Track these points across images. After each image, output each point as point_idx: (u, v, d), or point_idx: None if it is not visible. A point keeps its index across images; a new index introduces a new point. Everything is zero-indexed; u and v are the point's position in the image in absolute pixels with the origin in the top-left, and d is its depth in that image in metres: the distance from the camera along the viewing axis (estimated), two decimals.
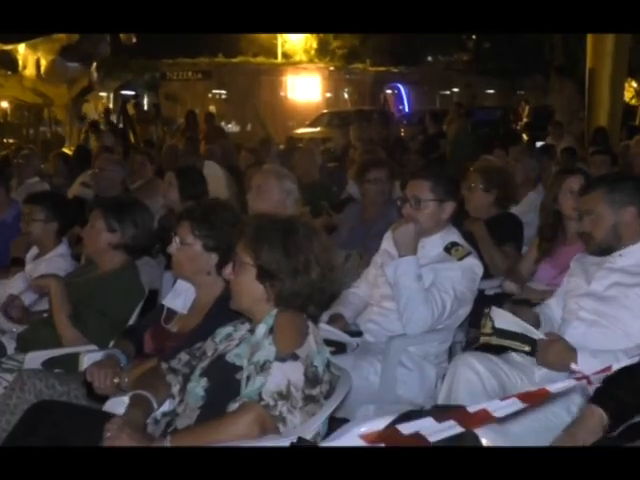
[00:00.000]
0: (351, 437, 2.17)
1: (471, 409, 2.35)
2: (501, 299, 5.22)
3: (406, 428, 2.18)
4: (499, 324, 3.91)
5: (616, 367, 2.80)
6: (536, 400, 2.51)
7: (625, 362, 2.81)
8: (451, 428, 2.26)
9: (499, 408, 2.36)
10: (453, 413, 2.32)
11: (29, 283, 4.79)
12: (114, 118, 21.42)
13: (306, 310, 3.28)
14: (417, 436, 2.16)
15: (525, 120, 25.07)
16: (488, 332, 3.94)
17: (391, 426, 2.22)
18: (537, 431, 3.59)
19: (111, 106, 26.26)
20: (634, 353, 3.43)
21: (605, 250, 4.04)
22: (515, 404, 2.37)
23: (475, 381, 3.76)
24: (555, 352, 3.77)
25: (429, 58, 38.48)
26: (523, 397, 2.39)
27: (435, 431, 2.22)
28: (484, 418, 2.34)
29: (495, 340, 3.91)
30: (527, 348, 3.85)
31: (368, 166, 6.78)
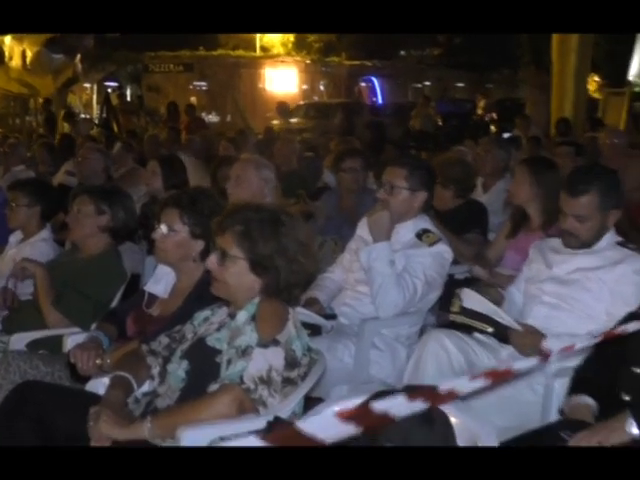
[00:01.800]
0: (327, 416, 2.15)
1: (440, 387, 2.35)
2: (470, 283, 5.26)
3: (378, 405, 2.18)
4: (467, 304, 3.96)
5: (579, 346, 2.81)
6: (502, 378, 2.52)
7: (587, 342, 2.82)
8: (419, 406, 2.26)
9: (465, 386, 2.36)
10: (422, 392, 2.32)
11: (14, 267, 4.74)
12: (98, 109, 21.39)
13: (292, 295, 3.30)
14: (385, 415, 2.16)
15: (481, 112, 25.12)
16: (456, 311, 3.99)
17: (366, 402, 2.21)
18: (500, 407, 3.63)
19: (95, 97, 26.15)
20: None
21: (583, 246, 4.04)
22: (480, 382, 2.38)
23: (443, 356, 3.81)
24: (526, 341, 3.83)
25: (402, 52, 38.44)
26: (489, 375, 2.39)
27: (404, 409, 2.22)
28: (451, 396, 2.34)
29: (461, 319, 3.96)
30: (490, 329, 3.91)
31: (343, 156, 6.78)
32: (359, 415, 2.10)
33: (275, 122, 22.61)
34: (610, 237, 4.03)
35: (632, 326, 2.93)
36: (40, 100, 23.25)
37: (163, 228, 3.84)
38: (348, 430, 2.10)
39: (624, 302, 3.74)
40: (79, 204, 4.61)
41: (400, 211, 4.63)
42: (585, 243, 4.01)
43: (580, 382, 3.24)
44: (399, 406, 2.16)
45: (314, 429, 2.04)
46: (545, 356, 2.70)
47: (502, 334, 3.92)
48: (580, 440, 2.89)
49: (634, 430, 2.81)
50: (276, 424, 2.78)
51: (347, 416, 2.08)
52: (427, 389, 2.31)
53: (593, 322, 3.86)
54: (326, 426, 2.07)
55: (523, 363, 2.60)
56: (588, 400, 3.12)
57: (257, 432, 2.04)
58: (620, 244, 4.03)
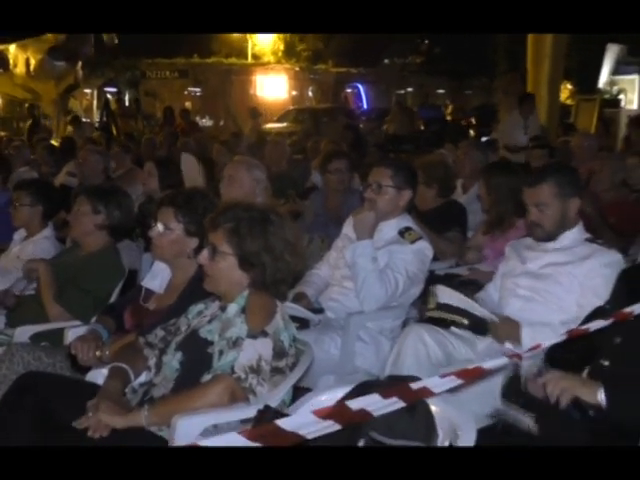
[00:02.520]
0: (305, 414, 2.15)
1: (414, 386, 2.35)
2: (450, 279, 5.27)
3: (354, 404, 2.18)
4: (442, 299, 4.01)
5: (546, 345, 2.82)
6: (471, 377, 2.52)
7: (555, 339, 2.84)
8: (395, 403, 2.27)
9: (438, 385, 2.37)
10: (397, 390, 2.32)
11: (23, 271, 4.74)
12: (98, 113, 21.37)
13: (279, 291, 3.29)
14: (363, 412, 2.17)
15: (450, 117, 25.09)
16: (432, 307, 4.04)
17: (342, 401, 2.21)
18: (479, 396, 3.64)
19: (95, 102, 26.08)
20: (570, 325, 3.51)
21: (550, 237, 4.09)
22: (453, 381, 2.38)
23: (421, 350, 3.83)
24: (504, 331, 3.89)
25: (386, 60, 38.48)
26: (460, 374, 2.40)
27: (380, 407, 2.22)
28: (424, 394, 2.35)
29: (437, 314, 4.00)
30: (465, 321, 3.96)
31: (329, 157, 6.79)
32: (336, 413, 2.11)
33: (267, 126, 22.61)
34: (579, 234, 4.10)
35: (594, 325, 2.95)
36: (42, 105, 23.21)
37: (159, 226, 3.84)
38: (328, 426, 2.11)
39: (594, 294, 3.80)
40: (78, 204, 4.62)
41: (386, 209, 4.64)
42: (550, 233, 4.07)
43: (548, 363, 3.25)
44: (375, 403, 2.17)
45: (295, 427, 2.04)
46: (516, 356, 2.72)
47: (477, 326, 3.96)
48: (553, 378, 2.88)
49: (601, 398, 2.81)
50: (260, 420, 2.77)
51: (325, 414, 2.09)
52: (401, 387, 2.32)
53: (564, 313, 3.91)
54: (306, 424, 2.07)
55: (493, 362, 2.62)
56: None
57: (240, 430, 2.00)
58: (589, 240, 4.09)
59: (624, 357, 3.02)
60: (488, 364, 2.57)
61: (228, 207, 3.36)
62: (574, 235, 4.09)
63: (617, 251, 4.07)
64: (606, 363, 3.07)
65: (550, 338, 3.31)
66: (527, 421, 2.89)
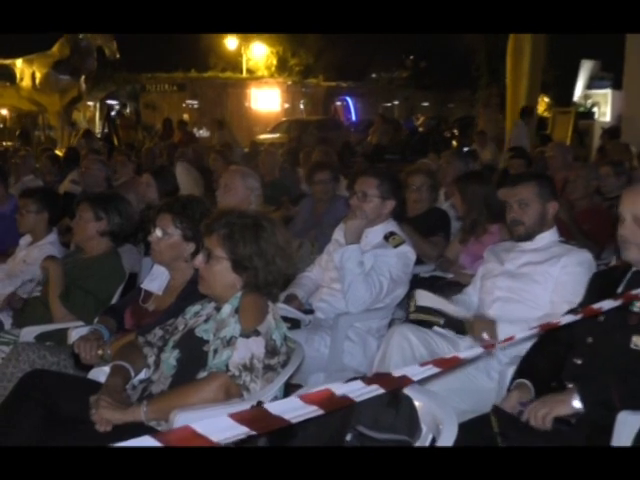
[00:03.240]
0: (291, 399, 2.15)
1: (394, 374, 2.36)
2: (435, 281, 5.30)
3: (338, 390, 2.18)
4: (420, 302, 4.05)
5: (519, 337, 2.84)
6: (449, 365, 2.53)
7: (527, 332, 2.86)
8: (376, 390, 2.27)
9: (417, 373, 2.37)
10: (378, 378, 2.33)
11: (40, 265, 4.73)
12: (100, 124, 21.39)
13: (271, 293, 3.29)
14: (346, 398, 2.17)
15: (421, 129, 25.13)
16: (412, 310, 4.07)
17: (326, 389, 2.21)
18: (460, 392, 3.66)
19: (97, 114, 26.04)
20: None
21: (530, 235, 4.14)
22: (431, 369, 2.39)
23: (406, 348, 3.83)
24: (480, 327, 3.90)
25: (373, 75, 38.52)
26: (437, 363, 2.41)
27: (362, 393, 2.23)
28: (404, 382, 2.35)
29: (416, 316, 4.05)
30: (441, 322, 3.98)
31: (314, 170, 6.83)
32: (321, 398, 2.11)
33: (261, 137, 22.61)
34: (553, 235, 4.16)
35: (566, 319, 2.97)
36: (47, 116, 23.18)
37: (158, 232, 3.85)
38: (312, 411, 2.10)
39: (566, 291, 3.86)
40: (81, 211, 4.63)
41: (371, 216, 4.65)
42: (529, 231, 4.12)
43: (524, 369, 3.29)
44: (357, 390, 2.17)
45: (280, 410, 2.04)
46: (490, 346, 2.73)
47: (454, 325, 3.99)
48: (532, 410, 2.93)
49: (577, 404, 2.87)
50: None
51: (310, 400, 2.09)
52: (383, 375, 2.32)
53: (541, 310, 3.93)
54: (291, 408, 2.07)
55: (469, 352, 2.64)
56: (528, 384, 3.16)
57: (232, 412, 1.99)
58: (562, 242, 4.16)
59: (595, 356, 3.04)
60: (464, 354, 2.59)
61: (222, 214, 3.36)
62: (550, 236, 4.15)
63: (588, 251, 4.12)
64: (579, 362, 3.09)
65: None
66: None
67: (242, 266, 3.23)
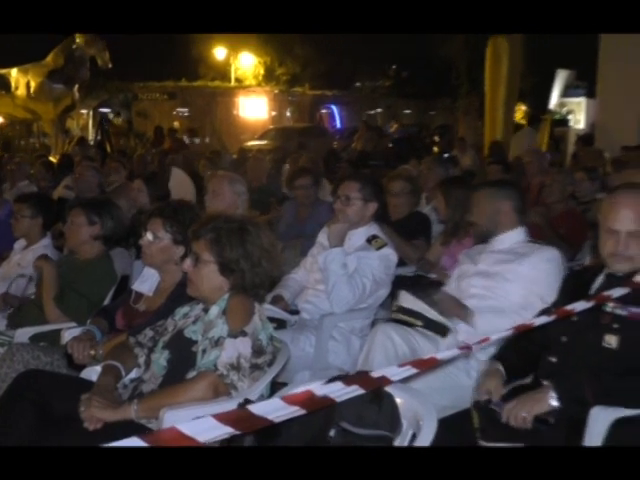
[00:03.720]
0: (274, 401, 2.15)
1: (373, 374, 2.36)
2: (419, 280, 5.33)
3: (319, 391, 2.18)
4: (402, 303, 4.10)
5: (494, 338, 2.85)
6: (426, 366, 2.54)
7: (502, 334, 2.88)
8: (356, 390, 2.27)
9: (396, 374, 2.37)
10: (358, 379, 2.33)
11: (33, 264, 4.73)
12: (93, 132, 21.35)
13: (258, 294, 3.29)
14: (327, 398, 2.17)
15: (395, 136, 25.06)
16: (395, 310, 4.13)
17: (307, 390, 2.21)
18: (440, 389, 3.67)
19: (90, 121, 25.95)
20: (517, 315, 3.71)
21: (487, 234, 4.27)
22: (409, 370, 2.39)
23: (389, 347, 3.84)
24: (448, 304, 4.05)
25: (357, 84, 38.53)
26: (416, 364, 2.41)
27: (342, 394, 2.23)
28: (383, 382, 2.35)
29: (396, 316, 4.10)
30: (420, 323, 4.02)
31: (295, 176, 6.82)
32: (302, 399, 2.11)
33: (249, 143, 22.56)
34: (520, 236, 4.23)
35: (539, 320, 2.99)
36: (41, 124, 23.13)
37: (149, 235, 3.84)
38: (294, 411, 2.10)
39: (539, 286, 3.92)
40: (73, 216, 4.61)
41: (354, 219, 4.66)
42: (487, 231, 4.28)
43: (500, 354, 3.32)
44: (338, 391, 2.17)
45: (264, 411, 2.04)
46: (467, 348, 2.74)
47: (433, 328, 4.02)
48: (511, 411, 2.94)
49: (554, 402, 2.89)
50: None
51: (292, 400, 2.09)
52: (362, 376, 2.33)
53: (513, 306, 3.97)
54: (274, 409, 2.07)
55: (446, 353, 2.65)
56: (500, 368, 3.19)
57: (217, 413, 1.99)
58: (531, 241, 4.23)
59: (570, 354, 3.06)
60: (441, 355, 2.60)
61: (209, 219, 3.36)
62: (516, 236, 4.22)
63: (555, 249, 4.18)
64: (554, 360, 3.10)
65: (502, 324, 3.44)
66: None
67: (229, 269, 3.22)
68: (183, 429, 1.88)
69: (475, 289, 4.13)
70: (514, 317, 3.77)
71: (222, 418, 1.96)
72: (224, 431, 1.94)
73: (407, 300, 4.10)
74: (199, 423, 1.94)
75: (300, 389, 2.23)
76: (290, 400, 2.08)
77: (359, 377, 2.32)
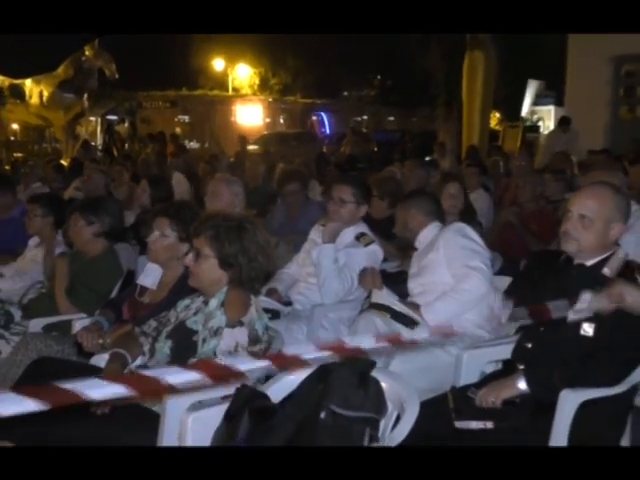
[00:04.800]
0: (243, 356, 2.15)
1: (347, 344, 2.34)
2: (400, 275, 5.33)
3: (289, 350, 2.18)
4: (373, 299, 4.18)
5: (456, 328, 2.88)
6: (396, 342, 2.53)
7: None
8: (328, 357, 2.26)
9: (369, 345, 2.36)
10: (332, 345, 2.31)
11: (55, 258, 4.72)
12: (101, 137, 21.36)
13: (254, 288, 3.28)
14: (298, 358, 2.15)
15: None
16: (366, 305, 4.22)
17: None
18: (423, 369, 3.68)
19: (98, 128, 25.87)
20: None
21: (407, 241, 4.46)
22: (381, 343, 2.39)
23: (372, 329, 3.88)
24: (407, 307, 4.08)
25: (345, 93, 38.58)
26: (388, 339, 2.40)
27: (315, 357, 2.21)
28: (356, 352, 2.34)
29: (367, 310, 4.15)
30: (388, 315, 4.04)
31: (283, 182, 6.79)
32: (276, 357, 2.10)
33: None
34: (433, 230, 4.31)
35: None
36: (53, 130, 23.10)
37: (156, 233, 3.84)
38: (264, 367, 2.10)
39: (459, 257, 4.01)
40: (73, 220, 4.60)
41: (347, 220, 4.68)
42: (406, 238, 4.49)
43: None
44: (309, 353, 2.16)
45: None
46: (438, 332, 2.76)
47: (400, 319, 4.04)
48: (482, 396, 2.95)
49: (522, 385, 2.91)
50: (238, 395, 2.78)
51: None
52: (336, 343, 2.32)
53: (447, 286, 4.03)
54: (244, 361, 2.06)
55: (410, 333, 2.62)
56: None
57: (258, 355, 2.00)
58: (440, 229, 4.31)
59: (544, 341, 3.06)
60: (405, 334, 2.60)
61: (209, 217, 3.36)
62: (429, 233, 4.30)
63: (457, 222, 4.35)
64: (529, 345, 3.11)
65: (453, 304, 3.85)
66: None
67: (228, 263, 3.21)
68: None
69: (416, 289, 4.21)
70: (459, 294, 3.88)
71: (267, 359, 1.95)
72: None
73: (378, 296, 4.16)
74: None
75: (297, 376, 2.22)
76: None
77: (333, 344, 2.29)
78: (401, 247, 4.59)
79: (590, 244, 3.07)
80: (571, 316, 2.79)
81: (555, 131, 14.03)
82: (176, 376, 1.92)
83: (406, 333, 3.98)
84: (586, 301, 2.76)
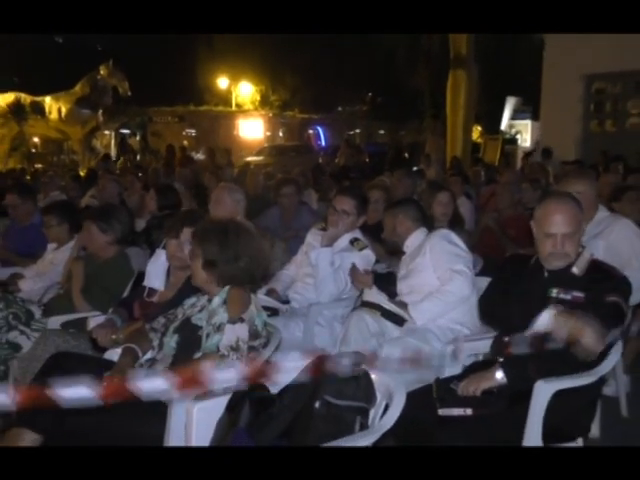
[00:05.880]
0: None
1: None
2: (390, 276, 5.33)
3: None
4: (365, 298, 4.20)
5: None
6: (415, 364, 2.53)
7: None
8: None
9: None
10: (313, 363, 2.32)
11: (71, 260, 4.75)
12: (114, 150, 21.40)
13: (242, 285, 3.28)
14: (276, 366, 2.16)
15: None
16: (358, 304, 4.25)
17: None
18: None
19: (112, 141, 25.88)
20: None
21: (395, 245, 4.42)
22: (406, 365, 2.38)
23: (363, 326, 3.88)
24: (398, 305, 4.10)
25: (339, 108, 38.55)
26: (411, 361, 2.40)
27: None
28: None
29: (359, 308, 4.16)
30: (378, 313, 4.06)
31: (280, 185, 6.79)
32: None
33: (248, 159, 22.52)
34: (422, 235, 4.30)
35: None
36: (71, 143, 23.14)
37: (179, 241, 3.86)
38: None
39: (443, 262, 4.02)
40: (87, 227, 4.60)
41: (347, 228, 4.72)
42: (393, 242, 4.42)
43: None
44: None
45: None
46: None
47: (389, 317, 4.06)
48: (464, 387, 2.95)
49: (499, 376, 2.91)
50: None
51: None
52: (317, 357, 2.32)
53: (433, 287, 4.04)
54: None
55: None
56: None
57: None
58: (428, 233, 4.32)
59: (531, 319, 3.06)
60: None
61: (205, 221, 3.39)
62: (417, 238, 4.30)
63: (443, 228, 4.36)
64: (506, 339, 3.10)
65: (438, 303, 3.84)
66: None
67: (208, 263, 3.22)
68: None
69: (405, 289, 4.21)
70: (443, 295, 3.91)
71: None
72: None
73: (369, 295, 4.18)
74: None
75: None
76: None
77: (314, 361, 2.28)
78: (389, 250, 4.55)
79: (575, 252, 3.13)
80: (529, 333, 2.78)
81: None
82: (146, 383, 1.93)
83: (394, 330, 4.01)
84: (544, 323, 2.75)
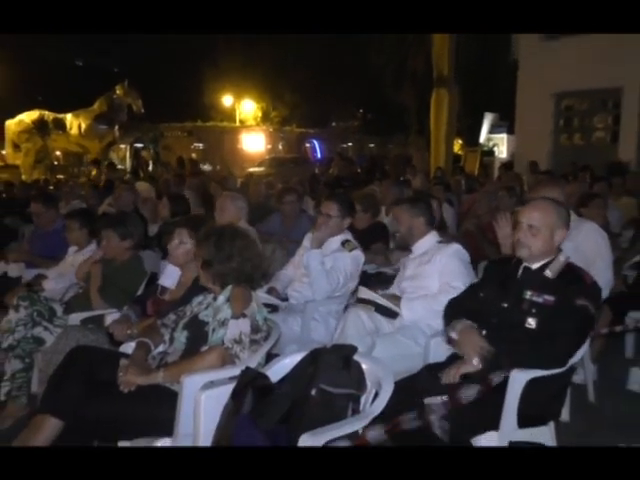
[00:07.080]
0: None
1: None
2: (379, 275, 5.35)
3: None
4: (360, 295, 4.19)
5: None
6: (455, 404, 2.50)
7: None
8: None
9: None
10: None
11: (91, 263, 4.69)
12: (129, 162, 21.39)
13: (239, 282, 3.28)
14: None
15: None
16: (355, 300, 4.23)
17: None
18: (397, 356, 3.68)
19: (127, 154, 25.83)
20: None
21: (406, 242, 4.34)
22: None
23: (359, 322, 3.87)
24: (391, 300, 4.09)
25: (333, 123, 38.57)
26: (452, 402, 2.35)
27: None
28: None
29: (354, 305, 4.16)
30: (372, 307, 4.05)
31: (282, 194, 6.78)
32: None
33: (251, 170, 22.51)
34: (431, 240, 4.26)
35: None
36: (89, 156, 23.12)
37: (177, 241, 3.84)
38: None
39: (447, 276, 3.97)
40: (106, 235, 4.59)
41: (333, 231, 4.67)
42: (404, 239, 4.36)
43: (457, 312, 3.24)
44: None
45: None
46: None
47: (383, 312, 4.05)
48: (446, 372, 2.94)
49: (475, 363, 2.92)
50: (243, 376, 2.77)
51: None
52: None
53: (430, 292, 4.02)
54: None
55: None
56: (468, 322, 3.13)
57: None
58: (439, 242, 4.26)
59: (497, 330, 3.06)
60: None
61: (206, 228, 3.40)
62: (427, 242, 4.25)
63: (456, 244, 4.22)
64: (484, 332, 3.11)
65: (429, 306, 3.79)
66: None
67: (205, 263, 3.24)
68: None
69: (409, 289, 4.18)
70: (435, 302, 3.86)
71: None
72: None
73: (363, 293, 4.17)
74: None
75: (292, 359, 2.20)
76: None
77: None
78: (400, 246, 4.46)
79: (539, 249, 3.10)
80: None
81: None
82: None
83: (387, 324, 4.00)
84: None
